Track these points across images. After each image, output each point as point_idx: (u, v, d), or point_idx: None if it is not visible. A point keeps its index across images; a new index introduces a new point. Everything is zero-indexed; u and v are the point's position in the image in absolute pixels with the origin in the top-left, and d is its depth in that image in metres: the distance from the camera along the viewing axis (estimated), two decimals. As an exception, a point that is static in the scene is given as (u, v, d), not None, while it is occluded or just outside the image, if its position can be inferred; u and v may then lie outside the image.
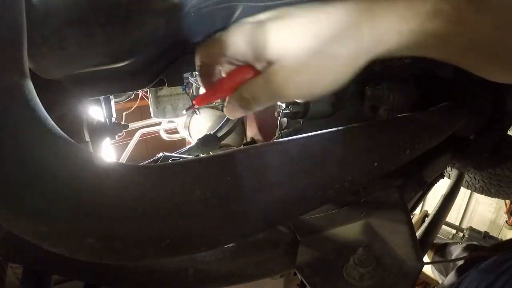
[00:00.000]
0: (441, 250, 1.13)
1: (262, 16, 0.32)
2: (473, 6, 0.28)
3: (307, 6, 0.31)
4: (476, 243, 1.19)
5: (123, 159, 2.45)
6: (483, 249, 0.94)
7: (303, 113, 0.71)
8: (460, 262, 0.90)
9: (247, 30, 0.32)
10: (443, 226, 2.04)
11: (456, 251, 1.07)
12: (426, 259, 1.11)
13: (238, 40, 0.32)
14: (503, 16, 0.28)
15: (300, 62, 0.30)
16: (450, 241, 1.22)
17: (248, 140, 1.64)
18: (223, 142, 1.27)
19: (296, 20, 0.30)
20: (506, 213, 2.45)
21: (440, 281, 1.05)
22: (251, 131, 1.63)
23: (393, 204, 0.56)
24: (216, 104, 1.87)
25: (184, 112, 1.45)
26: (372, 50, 0.30)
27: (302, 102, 0.70)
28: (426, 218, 0.99)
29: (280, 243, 0.50)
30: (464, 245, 1.08)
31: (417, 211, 1.84)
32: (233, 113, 0.36)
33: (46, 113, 0.23)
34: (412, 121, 0.48)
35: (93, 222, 0.22)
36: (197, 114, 1.46)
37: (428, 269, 1.10)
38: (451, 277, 0.82)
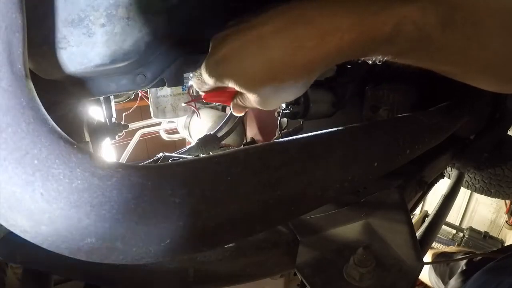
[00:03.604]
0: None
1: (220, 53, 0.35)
2: (440, 24, 0.29)
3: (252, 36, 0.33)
4: (474, 251, 1.19)
5: (123, 159, 2.45)
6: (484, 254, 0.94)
7: (303, 113, 0.71)
8: (460, 267, 0.90)
9: (211, 72, 0.36)
10: (443, 226, 2.04)
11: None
12: (426, 259, 1.11)
13: (210, 81, 0.37)
14: (465, 32, 0.30)
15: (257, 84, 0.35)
16: (448, 248, 1.22)
17: (248, 140, 1.64)
18: (223, 142, 1.27)
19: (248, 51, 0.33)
20: (506, 213, 2.45)
21: None
22: (251, 131, 1.63)
23: (393, 204, 0.56)
24: (216, 104, 1.87)
25: (183, 104, 1.45)
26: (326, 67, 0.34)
27: (302, 102, 0.70)
28: (426, 218, 0.99)
29: (280, 243, 0.50)
30: (461, 254, 1.09)
31: (417, 211, 1.84)
32: (237, 111, 0.44)
33: (46, 113, 0.23)
34: (412, 121, 0.48)
35: (93, 222, 0.22)
36: (198, 117, 1.45)
37: (425, 277, 1.09)
38: (453, 281, 0.82)
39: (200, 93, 0.44)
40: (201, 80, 0.39)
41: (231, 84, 0.35)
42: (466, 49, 0.31)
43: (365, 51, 0.32)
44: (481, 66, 0.34)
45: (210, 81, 0.37)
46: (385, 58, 0.33)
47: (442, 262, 1.05)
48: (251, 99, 0.37)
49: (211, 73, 0.36)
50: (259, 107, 0.38)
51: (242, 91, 0.35)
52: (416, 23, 0.29)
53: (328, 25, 0.30)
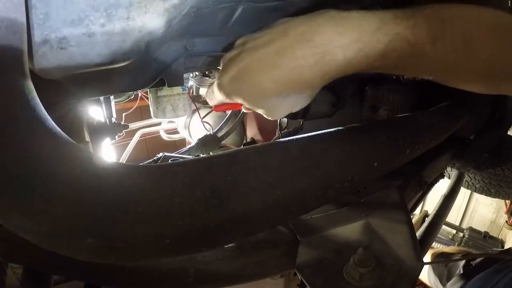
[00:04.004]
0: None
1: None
2: (431, 38, 0.31)
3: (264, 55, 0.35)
4: (473, 251, 1.19)
5: (123, 159, 2.44)
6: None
7: (303, 113, 0.71)
8: (459, 268, 0.90)
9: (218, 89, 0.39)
10: (443, 226, 2.03)
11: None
12: (425, 259, 1.11)
13: (221, 98, 0.41)
14: (455, 44, 0.32)
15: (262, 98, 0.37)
16: (447, 248, 1.21)
17: (248, 140, 1.64)
18: (223, 142, 1.27)
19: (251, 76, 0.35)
20: (506, 213, 2.45)
21: None
22: (251, 131, 1.63)
23: (393, 204, 0.56)
24: (216, 104, 1.86)
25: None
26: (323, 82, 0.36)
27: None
28: (426, 218, 0.99)
29: (280, 243, 0.50)
30: (460, 254, 1.09)
31: (417, 211, 1.84)
32: (248, 110, 0.46)
33: (46, 113, 0.23)
34: (412, 121, 0.48)
35: (93, 222, 0.22)
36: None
37: (425, 277, 1.09)
38: (452, 282, 0.82)
39: (210, 104, 0.47)
40: (212, 96, 0.42)
41: (240, 101, 0.38)
42: (457, 60, 0.33)
43: (361, 66, 0.33)
44: (471, 74, 0.36)
45: (221, 98, 0.40)
46: (381, 71, 0.35)
47: (442, 262, 1.05)
48: (258, 111, 0.40)
49: (222, 91, 0.39)
50: (266, 117, 0.41)
51: (250, 107, 0.39)
52: (408, 40, 0.31)
53: (328, 44, 0.32)
